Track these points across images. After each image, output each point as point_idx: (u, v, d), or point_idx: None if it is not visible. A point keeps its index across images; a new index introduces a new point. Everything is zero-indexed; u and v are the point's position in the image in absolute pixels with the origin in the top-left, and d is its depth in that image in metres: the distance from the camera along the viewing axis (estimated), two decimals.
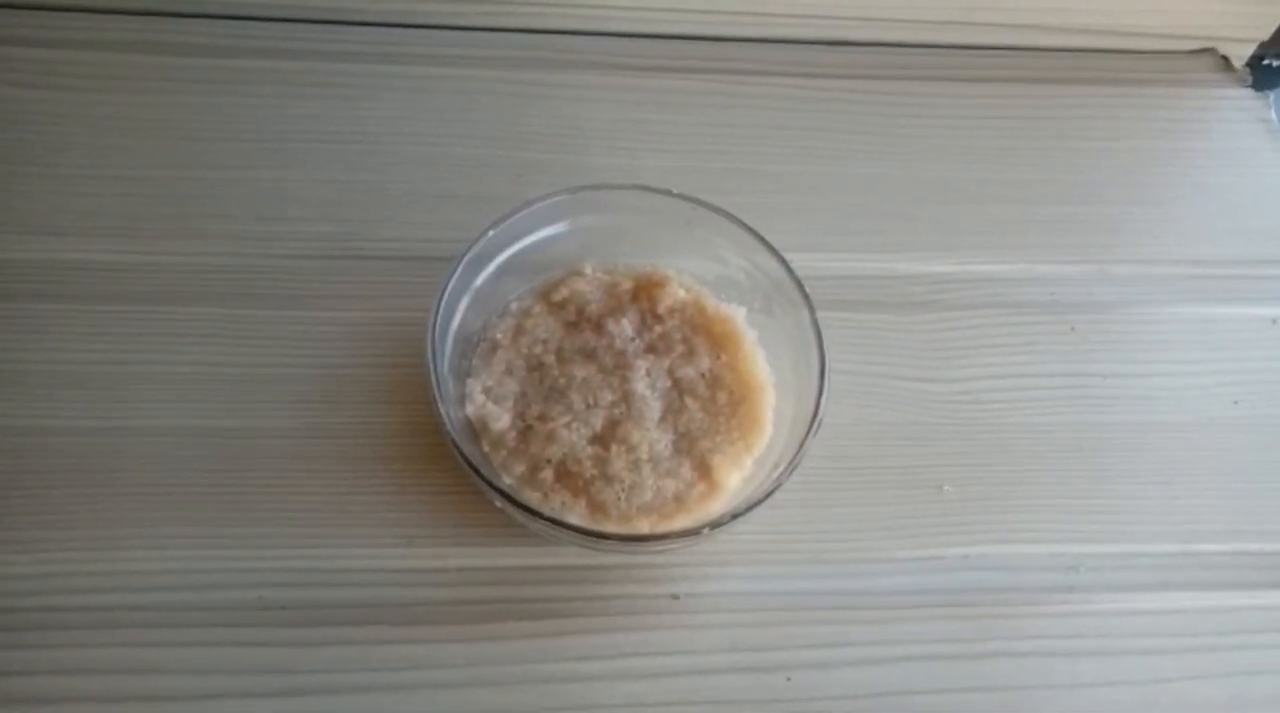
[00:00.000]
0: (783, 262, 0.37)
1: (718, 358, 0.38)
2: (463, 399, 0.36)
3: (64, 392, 0.37)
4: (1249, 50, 0.54)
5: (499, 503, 0.33)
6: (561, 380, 0.37)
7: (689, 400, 0.37)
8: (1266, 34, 0.53)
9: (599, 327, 0.38)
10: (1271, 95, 0.53)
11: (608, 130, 0.47)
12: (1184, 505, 0.40)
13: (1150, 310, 0.45)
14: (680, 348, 0.38)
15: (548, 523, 0.33)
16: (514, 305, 0.39)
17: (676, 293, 0.39)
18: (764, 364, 0.38)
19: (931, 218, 0.47)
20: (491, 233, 0.37)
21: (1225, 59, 0.54)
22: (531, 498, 0.34)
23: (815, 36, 0.52)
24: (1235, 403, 0.43)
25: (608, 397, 0.36)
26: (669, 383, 0.37)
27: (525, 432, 0.36)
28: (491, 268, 0.38)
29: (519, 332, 0.38)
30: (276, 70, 0.47)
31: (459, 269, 0.36)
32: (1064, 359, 0.43)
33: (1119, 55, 0.53)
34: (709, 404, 0.37)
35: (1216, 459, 0.41)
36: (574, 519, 0.34)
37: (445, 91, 0.47)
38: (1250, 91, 0.53)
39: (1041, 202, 0.48)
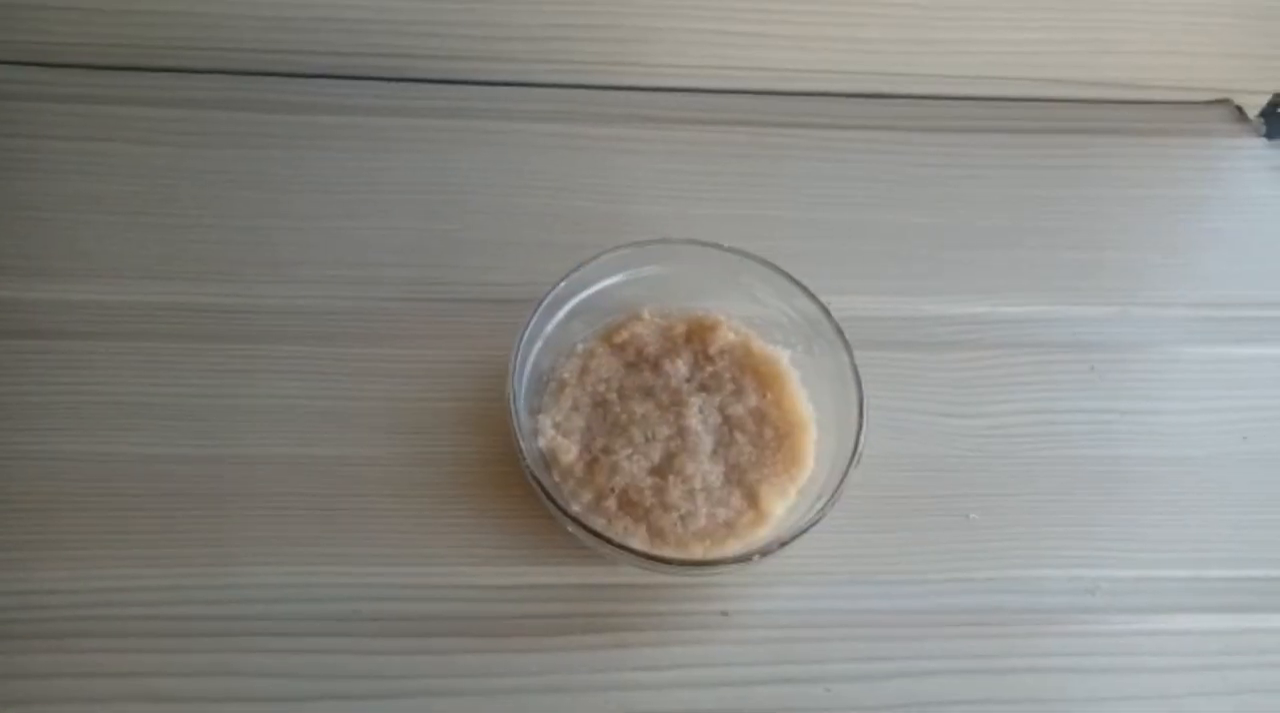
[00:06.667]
0: (822, 307, 0.41)
1: (764, 396, 0.41)
2: (534, 433, 0.40)
3: (179, 423, 0.41)
4: (1263, 101, 0.56)
5: (570, 528, 0.37)
6: (623, 416, 0.40)
7: (738, 435, 0.40)
8: (1279, 85, 0.55)
9: (656, 367, 0.41)
10: None
11: (657, 181, 0.50)
12: (1195, 534, 0.42)
13: (1167, 350, 0.47)
14: (730, 387, 0.41)
15: (613, 547, 0.36)
16: (580, 347, 0.42)
17: (726, 336, 0.42)
18: (807, 402, 0.41)
19: (960, 262, 0.49)
20: (563, 283, 0.40)
21: (1240, 109, 0.56)
22: (598, 524, 0.38)
23: (849, 90, 0.55)
24: (1244, 439, 0.45)
25: (664, 431, 0.40)
26: (720, 419, 0.41)
27: (591, 463, 0.39)
28: (561, 313, 0.41)
29: (584, 371, 0.41)
30: (359, 126, 0.51)
31: (535, 315, 0.39)
32: (1084, 396, 0.45)
33: (1139, 107, 0.56)
34: (757, 439, 0.40)
35: (1225, 491, 0.43)
36: (636, 544, 0.37)
37: (511, 145, 0.51)
38: (1264, 141, 0.55)
39: (1064, 247, 0.50)
